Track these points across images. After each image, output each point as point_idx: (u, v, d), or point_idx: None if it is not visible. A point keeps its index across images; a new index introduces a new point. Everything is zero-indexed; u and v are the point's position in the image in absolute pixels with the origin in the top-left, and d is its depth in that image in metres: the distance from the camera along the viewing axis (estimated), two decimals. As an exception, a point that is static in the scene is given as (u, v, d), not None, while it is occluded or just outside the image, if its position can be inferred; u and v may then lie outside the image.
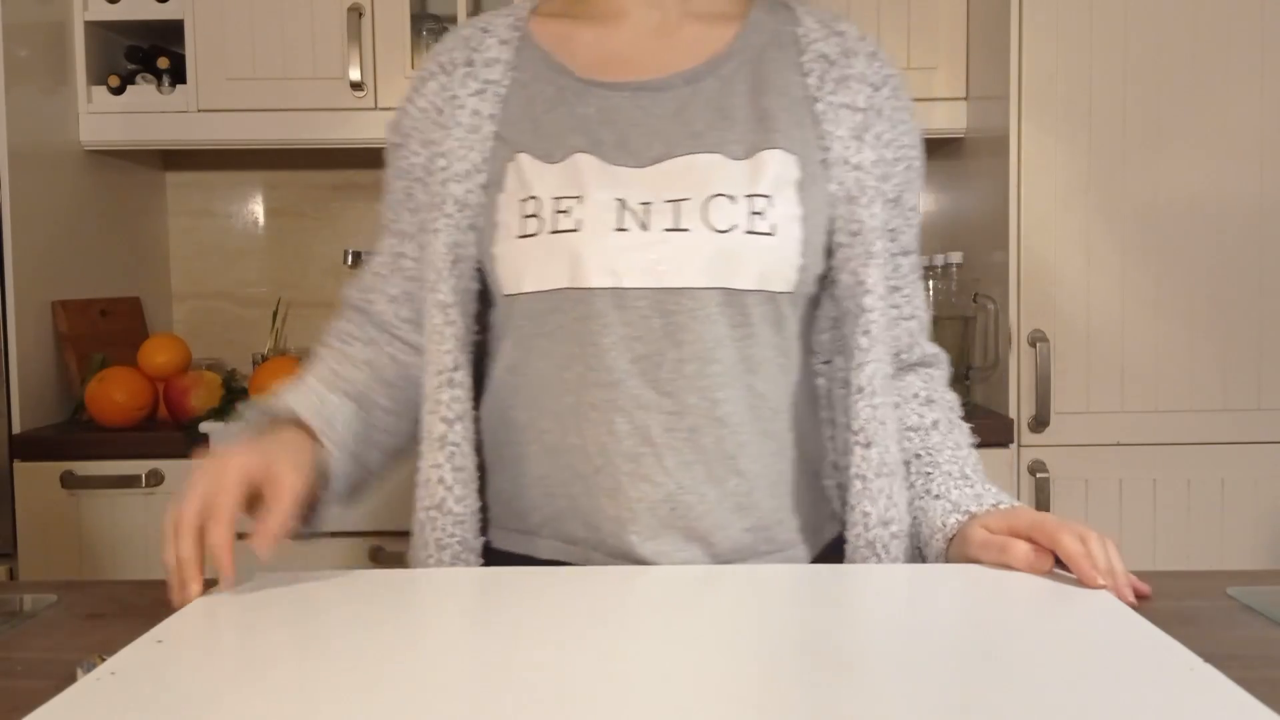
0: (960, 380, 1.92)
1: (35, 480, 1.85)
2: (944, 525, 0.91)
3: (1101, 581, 0.79)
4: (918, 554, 0.96)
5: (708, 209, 0.89)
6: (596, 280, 0.88)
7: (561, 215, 0.89)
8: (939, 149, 2.24)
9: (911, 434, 0.99)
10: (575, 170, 0.91)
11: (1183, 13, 1.80)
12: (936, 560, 0.92)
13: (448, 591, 0.82)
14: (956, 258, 1.93)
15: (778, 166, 0.91)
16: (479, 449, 0.97)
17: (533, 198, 0.90)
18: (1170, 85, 1.81)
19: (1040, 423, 1.82)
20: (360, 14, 2.02)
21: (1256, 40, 1.80)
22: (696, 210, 0.89)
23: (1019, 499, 1.83)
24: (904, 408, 1.00)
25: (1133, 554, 1.82)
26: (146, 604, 0.82)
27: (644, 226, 0.89)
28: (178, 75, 2.08)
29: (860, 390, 0.93)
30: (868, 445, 0.93)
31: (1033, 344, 1.82)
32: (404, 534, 1.85)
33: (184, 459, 1.85)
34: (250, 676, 0.64)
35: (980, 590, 0.81)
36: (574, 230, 0.89)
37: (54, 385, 1.99)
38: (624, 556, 0.90)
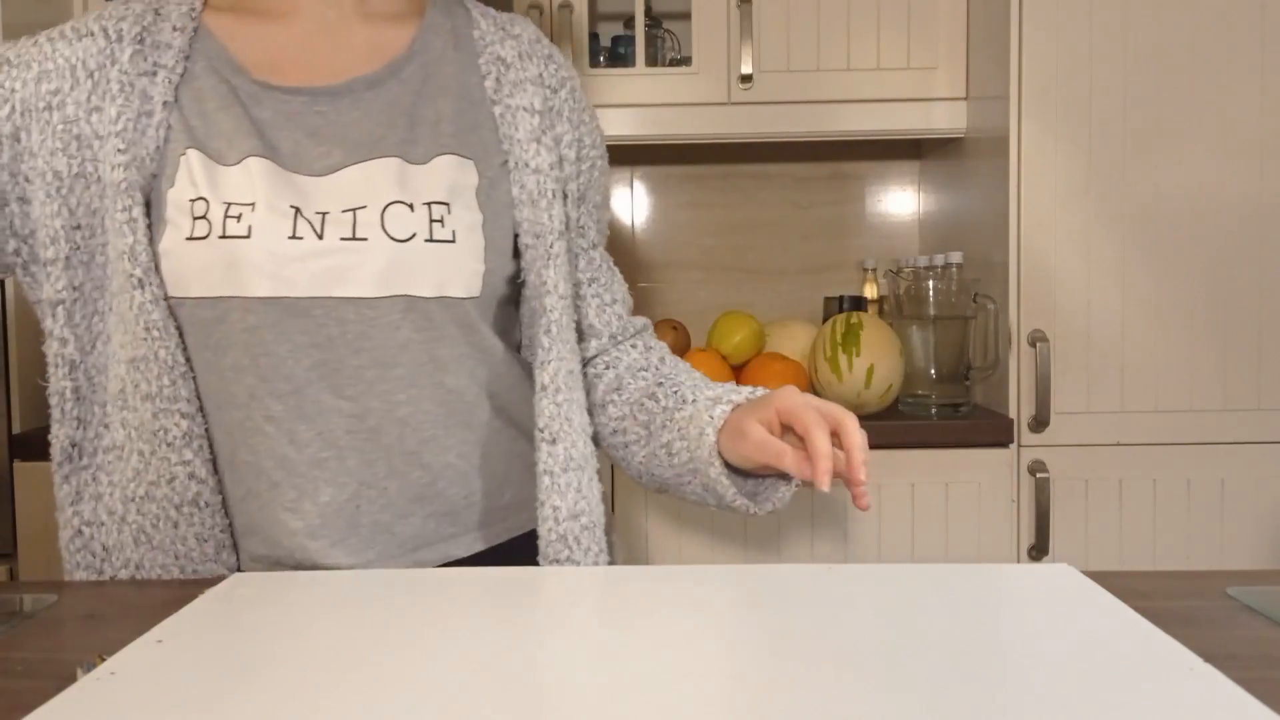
0: (960, 380, 1.92)
1: (35, 480, 1.85)
2: (711, 417, 0.93)
3: (826, 489, 0.82)
4: (688, 471, 0.96)
5: (385, 218, 0.88)
6: (266, 289, 0.86)
7: (231, 220, 0.86)
8: (939, 149, 2.24)
9: (643, 373, 1.03)
10: (248, 175, 0.87)
11: (1183, 13, 1.80)
12: (710, 463, 0.92)
13: (448, 591, 0.82)
14: (956, 258, 1.93)
15: (455, 172, 0.91)
16: None
17: (202, 199, 0.87)
18: (1170, 85, 1.81)
19: (1040, 423, 1.82)
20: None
21: (1256, 40, 1.80)
22: (375, 219, 0.88)
23: (1019, 499, 1.84)
24: (625, 364, 1.04)
25: (1133, 554, 1.83)
26: (146, 604, 0.82)
27: (319, 235, 0.87)
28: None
29: (544, 388, 0.95)
30: (553, 441, 0.95)
31: (1033, 344, 1.82)
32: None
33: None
34: (250, 676, 0.64)
35: (980, 590, 0.81)
36: (244, 237, 0.85)
37: (54, 385, 1.99)
38: (310, 567, 0.91)
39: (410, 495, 0.93)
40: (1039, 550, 1.83)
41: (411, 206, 0.88)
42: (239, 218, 0.86)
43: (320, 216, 0.87)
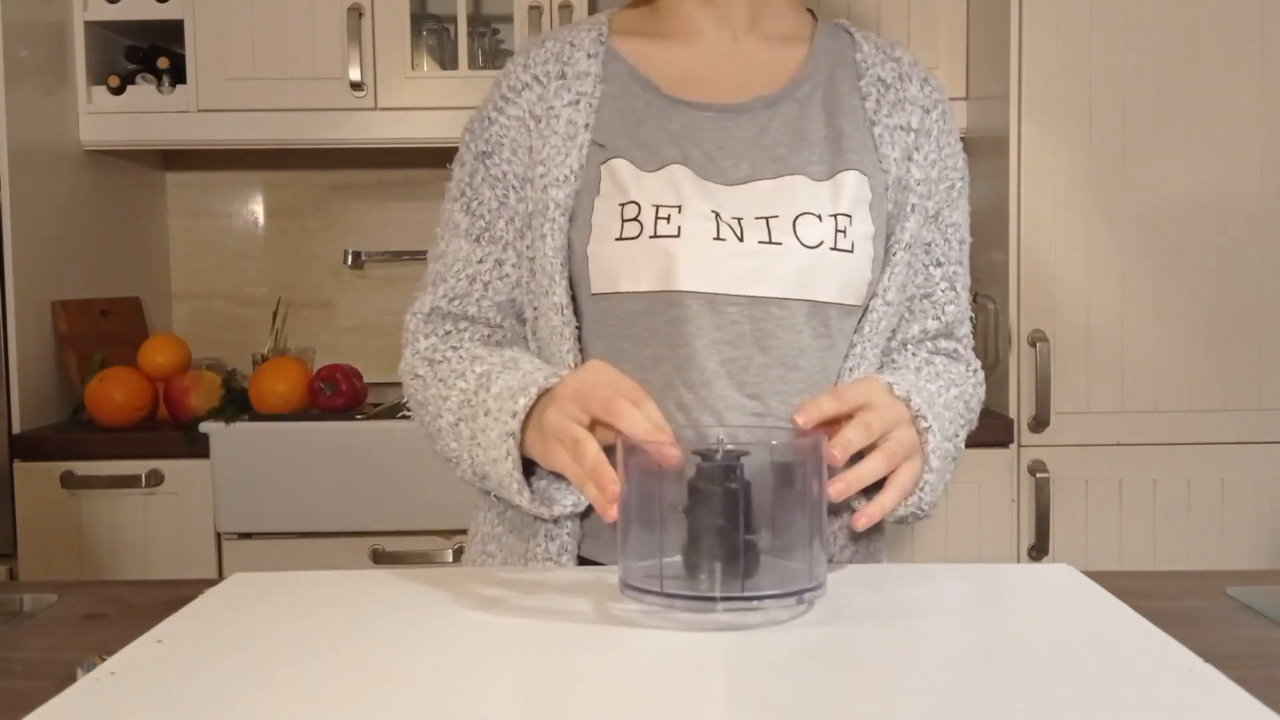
0: (960, 380, 1.92)
1: (35, 480, 1.85)
2: None
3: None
4: None
5: (797, 226, 0.93)
6: (691, 284, 0.92)
7: (662, 222, 0.92)
8: (939, 149, 2.24)
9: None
10: (673, 180, 0.94)
11: (1183, 13, 1.80)
12: None
13: (448, 591, 0.82)
14: (956, 258, 1.93)
15: (854, 187, 0.96)
16: None
17: (633, 202, 0.94)
18: (1170, 85, 1.81)
19: (1040, 423, 1.82)
20: (360, 14, 2.02)
21: (1256, 40, 1.80)
22: (788, 226, 0.93)
23: (1019, 499, 1.84)
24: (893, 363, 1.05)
25: (1133, 554, 1.83)
26: (146, 604, 0.82)
27: (739, 238, 0.93)
28: (178, 75, 2.08)
29: (840, 376, 0.97)
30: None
31: (1033, 344, 1.82)
32: (404, 534, 1.87)
33: (183, 459, 1.85)
34: (250, 676, 0.64)
35: (980, 590, 0.81)
36: (674, 236, 0.92)
37: (54, 385, 1.99)
38: None
39: None
40: (1039, 550, 1.83)
41: (820, 217, 0.94)
42: (668, 219, 0.93)
43: (737, 221, 0.94)
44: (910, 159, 0.99)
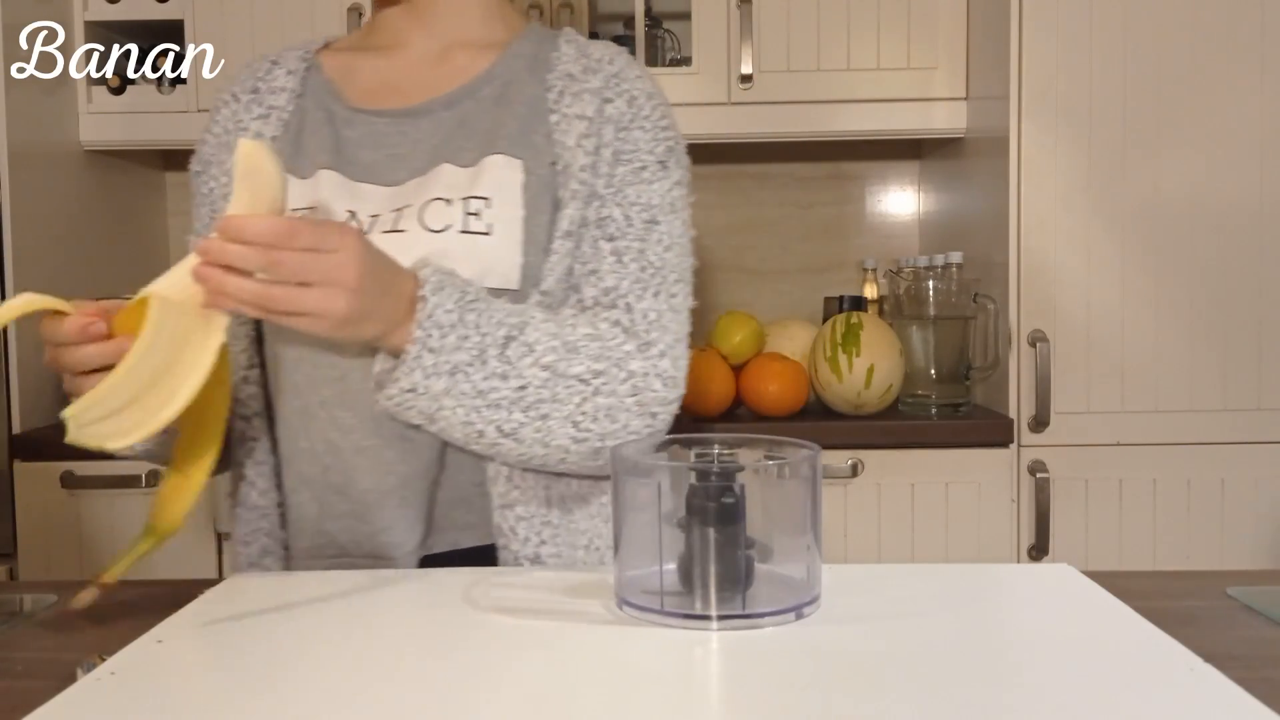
0: (960, 380, 1.92)
1: (35, 480, 1.85)
2: None
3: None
4: None
5: (424, 212, 0.94)
6: None
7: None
8: (939, 149, 2.24)
9: None
10: (317, 185, 0.98)
11: (1183, 13, 1.80)
12: None
13: (448, 591, 0.82)
14: (956, 258, 1.93)
15: (499, 170, 0.96)
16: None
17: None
18: (1170, 85, 1.81)
19: (1040, 423, 1.82)
20: (360, 14, 2.02)
21: (1256, 40, 1.80)
22: (415, 214, 0.95)
23: (1019, 499, 1.84)
24: None
25: (1133, 554, 1.83)
26: (146, 604, 0.82)
27: (366, 232, 0.94)
28: (178, 75, 2.08)
29: None
30: None
31: (1033, 344, 1.82)
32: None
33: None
34: (250, 676, 0.64)
35: (980, 590, 0.81)
36: None
37: (54, 385, 1.99)
38: (370, 554, 0.95)
39: (436, 481, 0.96)
40: (1039, 550, 1.83)
41: (449, 201, 0.95)
42: None
43: (373, 218, 0.95)
44: (579, 145, 0.98)
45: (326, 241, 0.79)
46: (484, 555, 0.97)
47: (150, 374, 0.75)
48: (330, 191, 0.97)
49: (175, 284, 0.80)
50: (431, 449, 0.95)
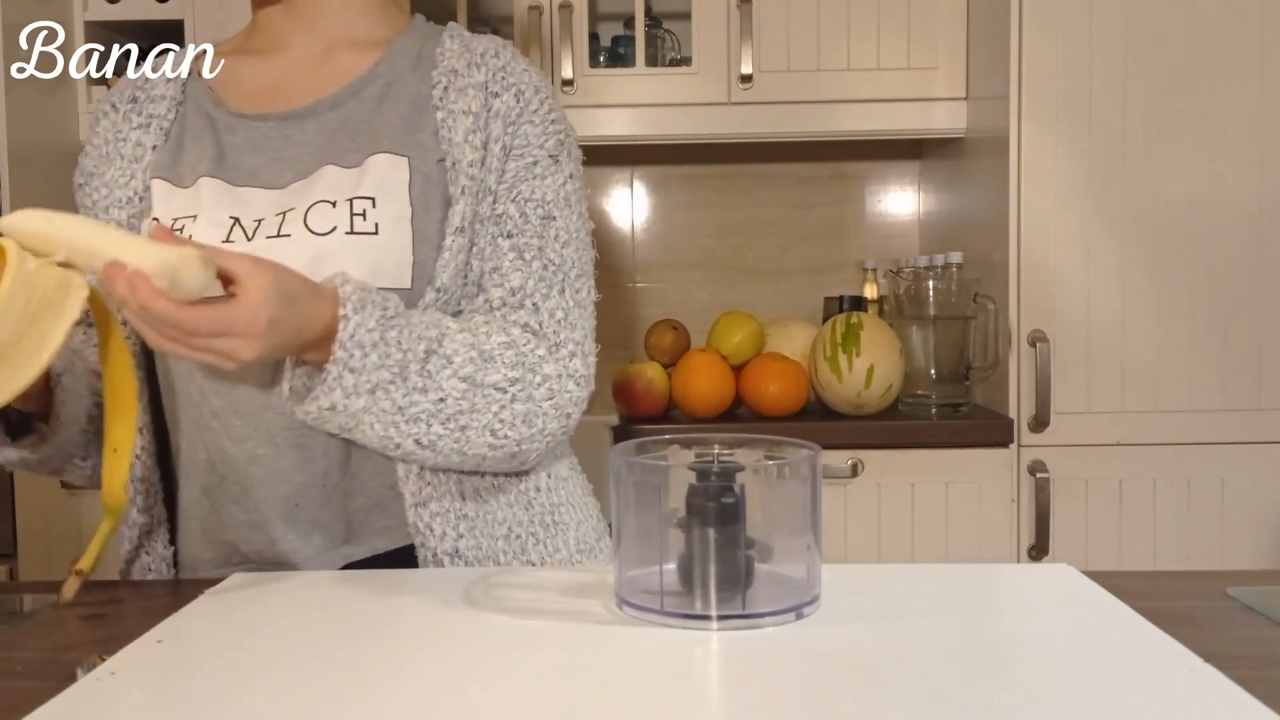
0: (960, 380, 1.92)
1: (35, 480, 1.85)
2: None
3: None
4: None
5: (309, 216, 0.93)
6: None
7: (178, 233, 0.90)
8: (939, 149, 2.24)
9: None
10: (198, 193, 0.96)
11: (1183, 13, 1.80)
12: None
13: (448, 591, 0.82)
14: (956, 258, 1.93)
15: (384, 169, 0.95)
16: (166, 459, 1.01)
17: (154, 220, 0.96)
18: (1170, 85, 1.81)
19: (1040, 423, 1.82)
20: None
21: (1256, 40, 1.80)
22: (299, 217, 0.93)
23: (1019, 499, 1.84)
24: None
25: (1133, 554, 1.83)
26: (146, 604, 0.82)
27: (249, 238, 0.93)
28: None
29: None
30: None
31: (1033, 344, 1.82)
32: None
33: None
34: (250, 676, 0.64)
35: (980, 590, 0.81)
36: None
37: (54, 385, 1.99)
38: (273, 562, 0.95)
39: (344, 489, 0.95)
40: (1039, 550, 1.83)
41: (334, 203, 0.93)
42: (182, 229, 0.94)
43: (257, 222, 0.94)
44: (467, 141, 0.98)
45: (230, 318, 0.76)
46: (405, 557, 0.97)
47: (8, 333, 0.72)
48: (211, 199, 0.95)
49: (36, 234, 0.75)
50: (329, 456, 0.94)
